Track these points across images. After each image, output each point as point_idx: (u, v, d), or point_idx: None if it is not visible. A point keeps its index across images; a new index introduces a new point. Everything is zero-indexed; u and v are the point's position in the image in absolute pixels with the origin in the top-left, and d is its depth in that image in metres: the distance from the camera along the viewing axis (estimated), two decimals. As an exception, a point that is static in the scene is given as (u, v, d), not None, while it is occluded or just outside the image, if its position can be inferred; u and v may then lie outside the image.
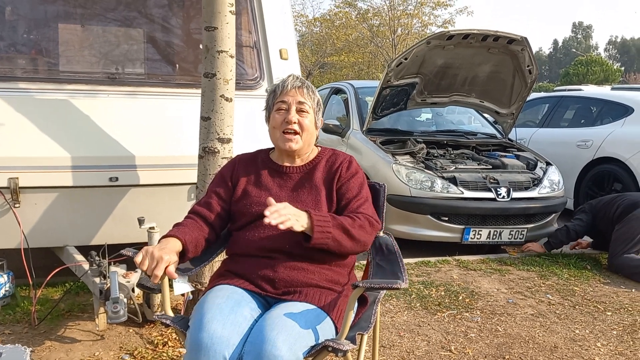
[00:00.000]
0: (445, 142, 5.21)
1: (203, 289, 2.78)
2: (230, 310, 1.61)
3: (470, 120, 6.72)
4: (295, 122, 1.89)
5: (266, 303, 1.75)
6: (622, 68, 54.20)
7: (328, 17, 26.30)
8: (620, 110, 6.06)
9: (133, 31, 3.63)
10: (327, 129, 5.53)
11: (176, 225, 1.85)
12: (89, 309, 3.12)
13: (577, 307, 3.42)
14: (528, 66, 5.00)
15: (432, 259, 4.31)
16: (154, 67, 3.57)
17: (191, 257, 1.80)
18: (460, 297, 3.51)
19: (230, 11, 2.75)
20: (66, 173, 2.92)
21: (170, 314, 1.74)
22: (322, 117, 2.03)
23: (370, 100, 5.60)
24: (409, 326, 3.05)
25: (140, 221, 2.69)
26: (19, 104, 2.99)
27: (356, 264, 2.11)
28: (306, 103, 1.92)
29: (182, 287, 1.79)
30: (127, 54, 3.54)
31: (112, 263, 2.83)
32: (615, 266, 4.12)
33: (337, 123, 5.67)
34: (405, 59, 4.71)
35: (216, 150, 2.77)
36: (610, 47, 77.06)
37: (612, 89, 20.09)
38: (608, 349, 2.83)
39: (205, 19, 2.73)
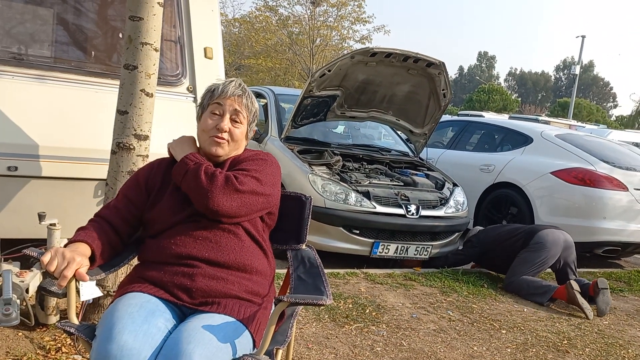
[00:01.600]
0: (360, 156, 5.30)
1: (105, 292, 2.61)
2: (143, 321, 1.51)
3: (380, 136, 6.91)
4: (226, 131, 1.83)
5: (181, 313, 1.66)
6: (519, 99, 58.29)
7: (248, 19, 26.11)
8: (521, 139, 6.48)
9: (43, 10, 3.37)
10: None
11: (81, 229, 1.72)
12: (-29, 308, 2.83)
13: (475, 324, 3.59)
14: (443, 90, 5.21)
15: (341, 271, 4.35)
16: (66, 51, 3.33)
17: (97, 265, 1.68)
18: (367, 310, 3.57)
19: (159, 2, 2.62)
20: (-43, 158, 2.65)
21: (75, 321, 1.61)
22: (255, 127, 1.99)
23: (290, 108, 5.59)
24: (317, 338, 3.05)
25: (41, 216, 2.48)
26: None
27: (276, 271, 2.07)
28: (242, 113, 1.87)
29: (91, 291, 1.66)
30: (36, 34, 3.28)
31: (4, 260, 2.59)
32: (513, 285, 4.36)
33: (255, 128, 5.59)
34: (329, 70, 4.75)
35: (131, 146, 2.62)
36: (510, 78, 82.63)
37: (510, 117, 21.56)
38: (503, 366, 2.99)
39: (130, 8, 2.59)
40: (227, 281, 1.69)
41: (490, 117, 21.26)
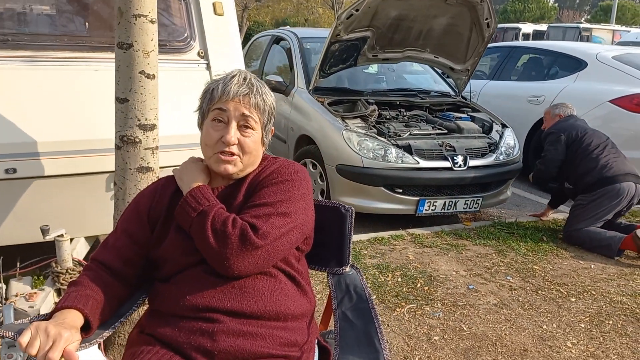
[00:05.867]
0: (397, 102, 4.82)
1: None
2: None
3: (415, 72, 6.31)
4: (234, 144, 1.43)
5: (203, 382, 1.34)
6: (557, 4, 54.84)
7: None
8: (573, 64, 5.85)
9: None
10: (268, 86, 4.99)
11: (73, 284, 1.38)
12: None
13: (539, 291, 3.23)
14: (487, 19, 4.61)
15: (386, 235, 4.01)
16: (59, 25, 2.91)
17: (97, 328, 1.36)
18: (419, 285, 3.24)
19: (149, -37, 2.16)
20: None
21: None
22: (273, 123, 1.56)
23: (317, 53, 5.11)
24: (366, 329, 2.75)
25: (44, 231, 2.18)
26: None
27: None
28: (251, 117, 1.44)
29: (91, 357, 1.35)
30: (19, 9, 2.86)
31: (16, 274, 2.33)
32: (574, 237, 3.97)
33: (280, 79, 5.13)
34: (357, 10, 4.20)
35: (137, 139, 2.25)
36: (545, -18, 77.69)
37: (549, 27, 20.19)
38: (579, 350, 2.63)
39: (115, -26, 2.15)
40: (257, 336, 1.35)
41: (527, 28, 19.96)
